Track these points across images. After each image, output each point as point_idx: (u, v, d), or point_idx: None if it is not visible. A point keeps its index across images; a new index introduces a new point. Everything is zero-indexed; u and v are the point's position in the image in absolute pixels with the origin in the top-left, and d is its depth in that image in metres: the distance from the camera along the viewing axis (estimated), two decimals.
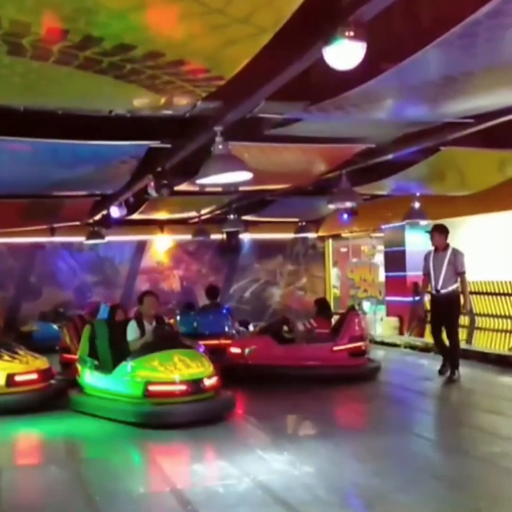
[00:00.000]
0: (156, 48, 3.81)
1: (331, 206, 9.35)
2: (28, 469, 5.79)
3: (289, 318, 10.17)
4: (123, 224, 11.99)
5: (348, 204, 9.16)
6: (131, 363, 6.89)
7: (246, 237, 15.84)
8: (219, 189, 9.10)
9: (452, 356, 8.90)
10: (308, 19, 3.51)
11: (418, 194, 10.60)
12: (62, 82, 4.38)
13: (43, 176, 7.61)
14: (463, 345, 11.72)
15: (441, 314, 8.95)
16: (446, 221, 13.17)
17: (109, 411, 6.88)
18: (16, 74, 4.17)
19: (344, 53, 3.56)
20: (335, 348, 9.08)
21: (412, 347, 12.53)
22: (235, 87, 4.55)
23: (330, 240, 17.35)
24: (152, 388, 6.65)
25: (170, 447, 6.13)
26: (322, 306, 10.67)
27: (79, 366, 7.64)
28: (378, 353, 12.73)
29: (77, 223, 12.59)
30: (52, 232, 13.89)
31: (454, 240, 14.20)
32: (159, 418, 6.54)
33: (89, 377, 7.41)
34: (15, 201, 9.43)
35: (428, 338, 13.00)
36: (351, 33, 3.45)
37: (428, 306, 13.41)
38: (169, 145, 6.58)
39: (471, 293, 11.12)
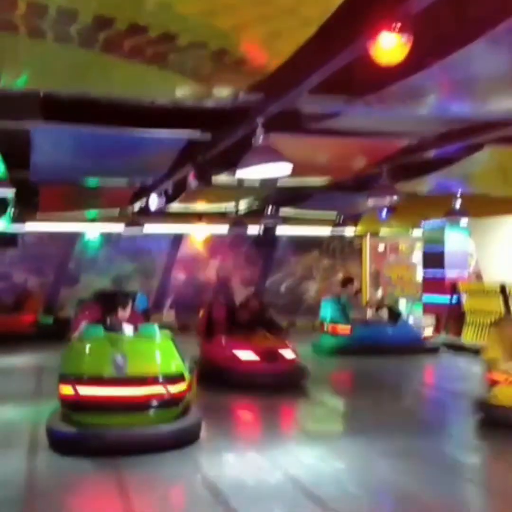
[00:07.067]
0: (200, 38, 3.81)
1: (371, 202, 9.27)
2: None
3: None
4: (162, 214, 12.06)
5: (388, 201, 9.07)
6: None
7: (283, 230, 15.83)
8: (257, 183, 9.06)
9: None
10: (354, 11, 3.46)
11: (459, 192, 10.46)
12: (108, 70, 4.41)
13: (84, 164, 7.69)
14: None
15: None
16: (487, 220, 13.04)
17: None
18: (62, 61, 4.22)
19: (389, 47, 3.51)
20: None
21: (448, 347, 12.40)
22: (278, 79, 4.52)
23: (368, 237, 17.25)
24: None
25: (201, 437, 6.16)
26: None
27: None
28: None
29: (117, 210, 12.71)
30: (92, 219, 14.05)
31: (495, 240, 14.08)
32: None
33: None
34: (57, 187, 9.55)
35: (465, 338, 12.88)
36: (398, 26, 3.40)
37: (465, 307, 13.37)
38: (209, 136, 6.59)
39: None
